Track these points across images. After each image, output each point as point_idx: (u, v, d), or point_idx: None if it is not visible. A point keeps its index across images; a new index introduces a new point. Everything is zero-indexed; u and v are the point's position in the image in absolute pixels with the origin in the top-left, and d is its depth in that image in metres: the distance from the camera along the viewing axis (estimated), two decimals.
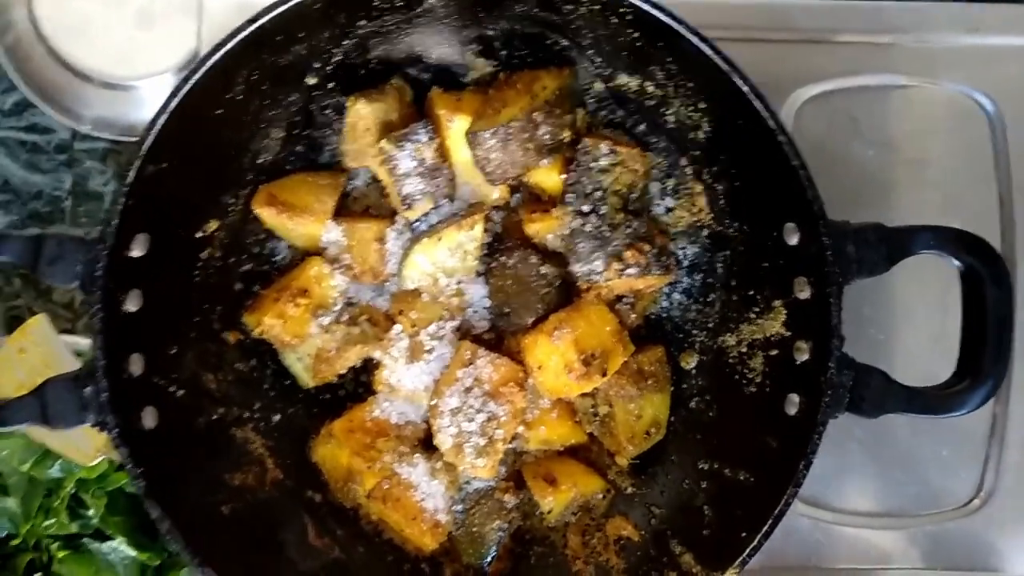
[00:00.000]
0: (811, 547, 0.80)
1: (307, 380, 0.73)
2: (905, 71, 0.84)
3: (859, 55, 0.84)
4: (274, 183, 0.71)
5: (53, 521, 0.93)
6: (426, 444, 0.72)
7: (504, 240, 0.73)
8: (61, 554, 0.94)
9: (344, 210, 0.73)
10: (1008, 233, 0.82)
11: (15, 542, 0.95)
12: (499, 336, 0.73)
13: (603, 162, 0.68)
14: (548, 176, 0.71)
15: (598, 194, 0.68)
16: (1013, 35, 0.84)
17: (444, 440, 0.67)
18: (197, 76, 0.59)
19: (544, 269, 0.70)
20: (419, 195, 0.69)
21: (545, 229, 0.71)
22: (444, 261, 0.70)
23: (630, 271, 0.67)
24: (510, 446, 0.71)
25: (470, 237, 0.70)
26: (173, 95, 0.59)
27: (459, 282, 0.71)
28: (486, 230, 0.71)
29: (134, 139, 1.08)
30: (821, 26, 0.84)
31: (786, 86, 0.83)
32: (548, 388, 0.69)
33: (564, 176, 0.70)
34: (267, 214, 0.70)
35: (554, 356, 0.67)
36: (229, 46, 0.59)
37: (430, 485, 0.70)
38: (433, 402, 0.68)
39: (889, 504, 0.81)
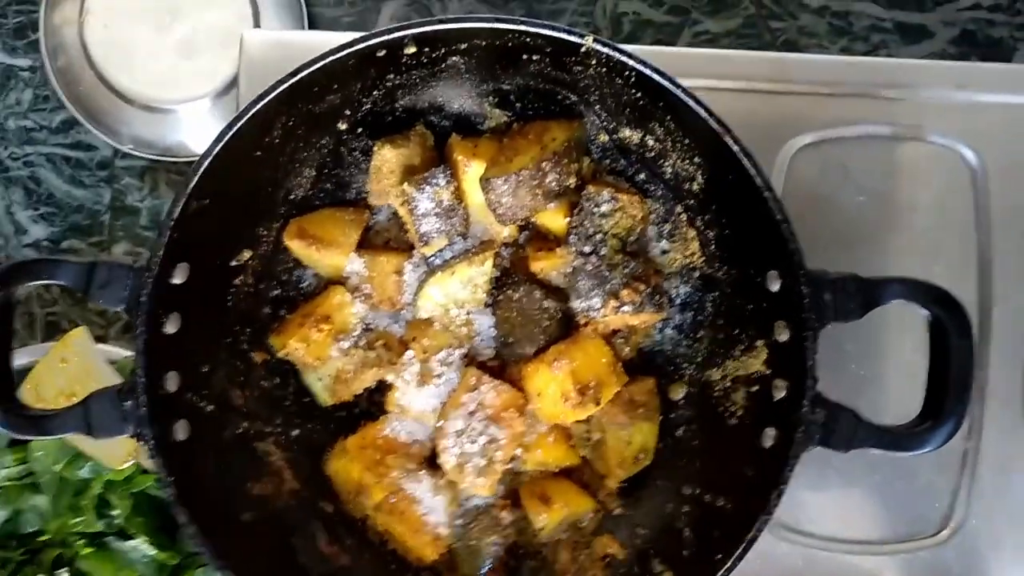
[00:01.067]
0: (789, 570, 0.84)
1: (326, 399, 0.78)
2: (895, 123, 0.88)
3: (852, 107, 0.89)
4: (304, 217, 0.76)
5: (80, 519, 0.98)
6: (431, 462, 0.76)
7: (511, 275, 0.78)
8: (86, 551, 0.99)
9: (367, 243, 0.79)
10: (985, 279, 0.86)
11: (44, 537, 1.00)
12: (503, 364, 0.77)
13: (604, 207, 0.73)
14: (554, 218, 0.76)
15: (599, 236, 0.73)
16: (998, 92, 0.89)
17: (448, 460, 0.72)
18: (241, 123, 0.64)
19: (547, 303, 0.75)
20: (435, 233, 0.74)
21: (549, 267, 0.76)
22: (455, 293, 0.75)
23: (626, 308, 0.72)
24: (508, 467, 0.76)
25: (480, 272, 0.75)
26: (218, 140, 0.64)
27: (468, 313, 0.76)
28: (495, 266, 0.76)
29: (171, 159, 1.16)
30: (817, 79, 0.88)
31: (782, 134, 0.88)
32: (546, 414, 0.74)
33: (568, 219, 0.75)
34: (296, 245, 0.75)
35: (552, 385, 0.72)
36: (270, 97, 0.64)
37: (433, 500, 0.75)
38: (439, 424, 0.73)
39: (865, 531, 0.85)
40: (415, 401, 0.75)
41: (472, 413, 0.72)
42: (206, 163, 0.64)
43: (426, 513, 0.75)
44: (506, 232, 0.78)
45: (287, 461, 0.76)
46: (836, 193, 0.88)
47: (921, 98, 0.89)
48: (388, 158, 0.74)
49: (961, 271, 0.86)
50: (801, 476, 0.83)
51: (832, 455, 0.84)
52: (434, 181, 0.73)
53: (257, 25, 1.17)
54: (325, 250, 0.75)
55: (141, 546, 0.98)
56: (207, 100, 1.15)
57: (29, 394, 0.89)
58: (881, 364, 0.86)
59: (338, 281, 0.78)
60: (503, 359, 0.77)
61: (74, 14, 1.16)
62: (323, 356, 0.76)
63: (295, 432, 0.78)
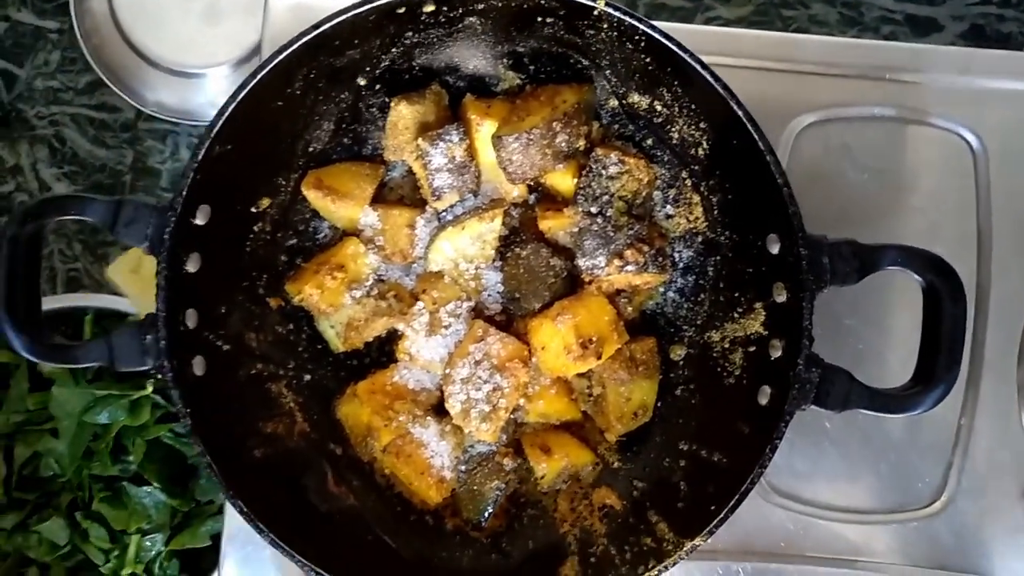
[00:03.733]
0: (784, 535, 0.86)
1: (338, 345, 0.81)
2: (899, 105, 0.90)
3: (857, 88, 0.91)
4: (322, 169, 0.79)
5: (97, 463, 1.01)
6: (438, 409, 0.79)
7: (520, 233, 0.80)
8: (102, 495, 1.02)
9: (381, 198, 0.81)
10: (984, 260, 0.88)
11: (61, 480, 1.03)
12: (509, 318, 0.80)
13: (612, 170, 0.76)
14: (563, 179, 0.79)
15: (605, 198, 0.76)
16: (1001, 78, 0.91)
17: (454, 405, 0.75)
18: (264, 72, 0.67)
19: (553, 261, 0.77)
20: (447, 188, 0.77)
21: (557, 226, 0.78)
22: (465, 248, 0.78)
23: (629, 268, 0.74)
24: (512, 415, 0.79)
25: (490, 229, 0.77)
26: (242, 87, 0.67)
27: (477, 268, 0.79)
28: (504, 224, 0.79)
29: (193, 122, 1.18)
30: (824, 60, 0.91)
31: (787, 112, 0.90)
32: (549, 367, 0.76)
33: (576, 180, 0.78)
34: (313, 196, 0.78)
35: (556, 338, 0.75)
36: (293, 48, 0.67)
37: (439, 445, 0.78)
38: (447, 371, 0.76)
39: (858, 500, 0.87)
40: (423, 350, 0.78)
41: (478, 362, 0.74)
42: (230, 108, 0.67)
43: (431, 457, 0.78)
44: (516, 192, 0.81)
45: (298, 404, 0.79)
46: (839, 172, 0.90)
47: (926, 82, 0.91)
48: (404, 114, 0.77)
49: (960, 252, 0.88)
50: (797, 445, 0.87)
51: (827, 424, 0.87)
52: (447, 137, 0.75)
53: None
54: (340, 201, 0.78)
55: (154, 492, 1.01)
56: (230, 65, 1.18)
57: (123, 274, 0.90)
58: (880, 338, 0.88)
59: (353, 233, 0.81)
60: (509, 313, 0.80)
61: None
62: (336, 304, 0.78)
63: (307, 377, 0.81)
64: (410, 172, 0.82)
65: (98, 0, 1.20)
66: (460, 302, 0.78)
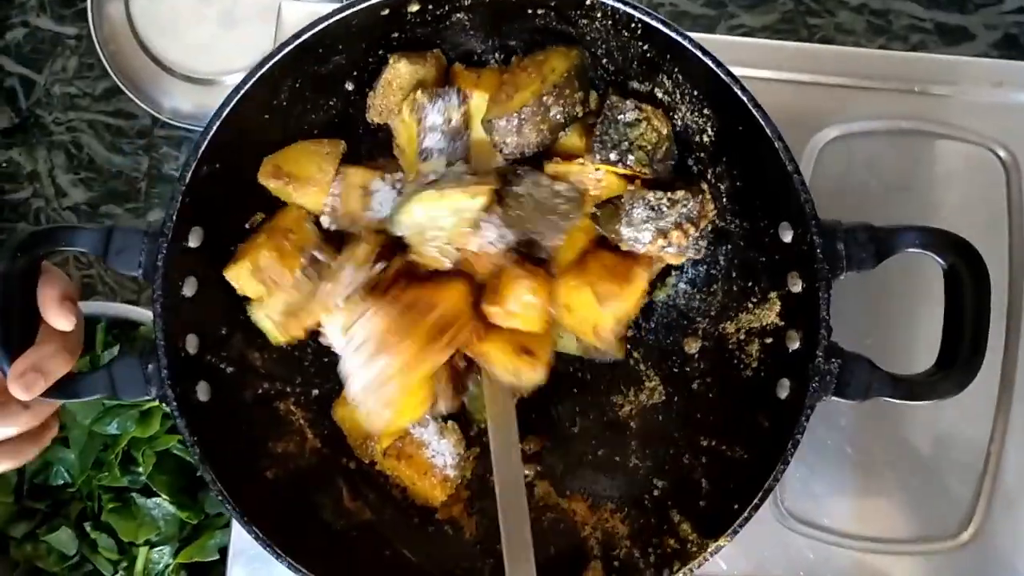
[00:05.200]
0: (803, 564, 0.84)
1: (277, 337, 0.75)
2: (927, 118, 0.87)
3: (884, 100, 0.88)
4: (277, 154, 0.73)
5: (106, 474, 1.01)
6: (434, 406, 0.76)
7: (510, 174, 0.73)
8: (111, 505, 1.02)
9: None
10: (1016, 279, 0.85)
11: (71, 490, 1.03)
12: (532, 263, 0.73)
13: (629, 116, 0.71)
14: (572, 139, 0.74)
15: (625, 145, 0.71)
16: None
17: (353, 396, 0.69)
18: (247, 87, 0.65)
19: (558, 187, 0.72)
20: (437, 151, 0.72)
21: (565, 171, 0.73)
22: (439, 219, 0.70)
23: (670, 249, 0.71)
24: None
25: (470, 206, 0.69)
26: (225, 104, 0.65)
27: (447, 243, 0.71)
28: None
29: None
30: (849, 71, 0.88)
31: (811, 125, 0.88)
32: (570, 327, 0.73)
33: (591, 133, 0.72)
34: (274, 185, 0.73)
35: (593, 316, 0.71)
36: (275, 59, 0.65)
37: (439, 444, 0.76)
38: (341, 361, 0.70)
39: (880, 529, 0.84)
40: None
41: (360, 344, 0.68)
42: (215, 127, 0.65)
43: (433, 456, 0.76)
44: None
45: (308, 420, 0.78)
46: (864, 187, 0.88)
47: (955, 94, 0.88)
48: (402, 72, 0.73)
49: (991, 270, 0.85)
50: (817, 469, 0.84)
51: (848, 448, 0.84)
52: (447, 98, 0.72)
53: None
54: (303, 188, 0.72)
55: (163, 503, 1.01)
56: (244, 73, 1.18)
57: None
58: (902, 325, 0.85)
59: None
60: (531, 258, 0.73)
61: None
62: (280, 281, 0.72)
63: (315, 392, 0.79)
64: (378, 144, 0.77)
65: (115, 7, 1.20)
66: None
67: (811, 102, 0.88)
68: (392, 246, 0.73)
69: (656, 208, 0.70)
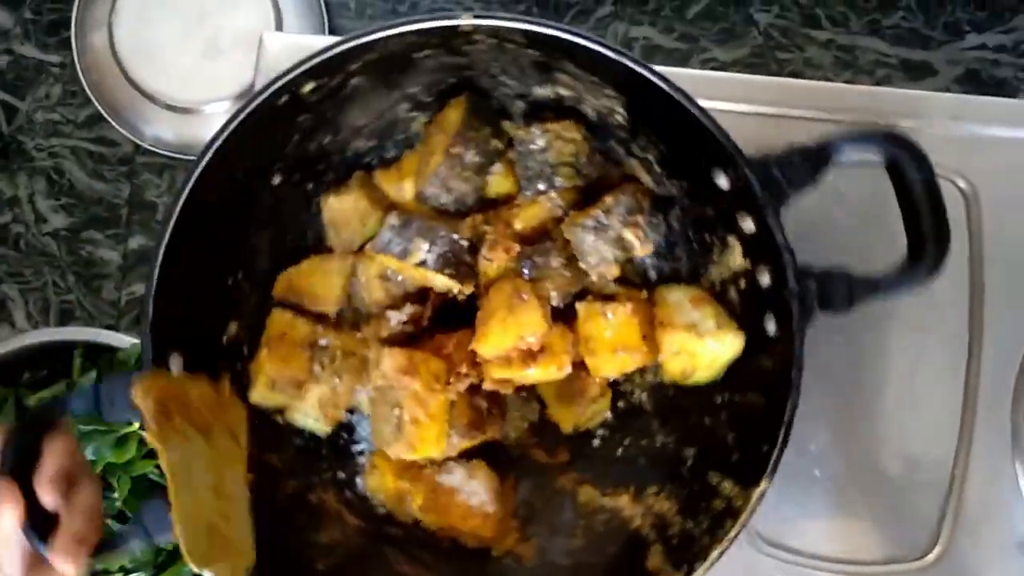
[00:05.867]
0: None
1: (324, 428, 0.77)
2: None
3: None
4: (291, 270, 0.76)
5: None
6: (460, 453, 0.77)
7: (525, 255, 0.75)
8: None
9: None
10: (976, 307, 0.88)
11: None
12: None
13: (539, 143, 0.72)
14: (503, 182, 0.76)
15: (547, 171, 0.73)
16: (994, 125, 0.90)
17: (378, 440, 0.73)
18: (180, 204, 0.64)
19: (566, 271, 0.74)
20: (397, 246, 0.73)
21: (529, 216, 0.75)
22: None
23: (635, 247, 0.72)
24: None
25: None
26: (165, 223, 0.64)
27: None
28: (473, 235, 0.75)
29: (190, 157, 1.19)
30: (816, 104, 0.90)
31: None
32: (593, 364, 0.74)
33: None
34: (285, 299, 0.76)
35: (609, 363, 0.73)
36: (197, 173, 0.65)
37: (470, 484, 0.76)
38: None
39: (849, 550, 0.85)
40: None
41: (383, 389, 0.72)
42: (160, 255, 0.64)
43: (469, 497, 0.76)
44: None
45: (343, 502, 0.77)
46: (830, 216, 0.90)
47: (918, 128, 0.90)
48: (336, 208, 0.75)
49: (953, 298, 0.88)
50: (786, 492, 0.86)
51: (817, 472, 0.86)
52: (391, 225, 0.73)
53: (279, 30, 1.22)
54: (313, 304, 0.76)
55: None
56: (229, 101, 1.19)
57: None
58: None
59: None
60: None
61: (104, 15, 1.21)
62: (304, 382, 0.75)
63: (341, 474, 0.79)
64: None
65: (99, 36, 1.22)
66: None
67: (780, 134, 0.90)
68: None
69: (597, 224, 0.72)
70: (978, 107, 0.92)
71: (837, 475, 0.86)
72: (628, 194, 0.73)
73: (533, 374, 0.73)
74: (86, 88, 1.20)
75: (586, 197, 0.76)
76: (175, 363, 0.66)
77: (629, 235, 0.72)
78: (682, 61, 1.27)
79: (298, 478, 0.76)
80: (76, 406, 0.63)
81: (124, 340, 1.06)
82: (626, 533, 0.76)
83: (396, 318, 0.76)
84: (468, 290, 0.75)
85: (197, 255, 0.68)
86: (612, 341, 0.73)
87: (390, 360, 0.72)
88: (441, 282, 0.74)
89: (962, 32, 1.27)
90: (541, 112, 0.76)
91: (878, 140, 0.66)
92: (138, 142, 1.21)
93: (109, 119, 1.20)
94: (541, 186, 0.73)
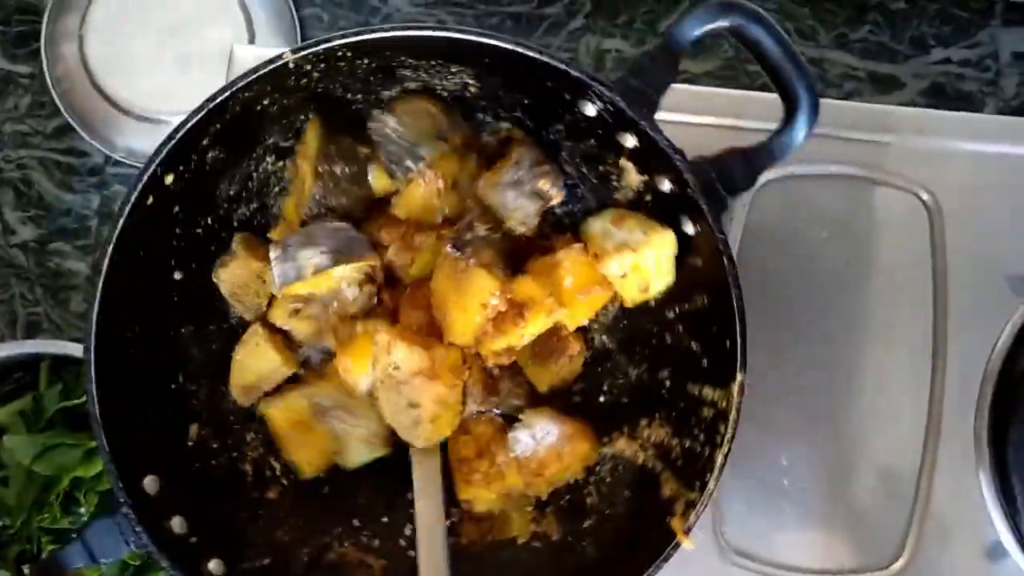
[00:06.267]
0: None
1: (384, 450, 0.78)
2: (858, 163, 0.91)
3: (816, 146, 0.89)
4: (232, 378, 0.77)
5: (47, 515, 0.99)
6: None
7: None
8: (51, 547, 0.99)
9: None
10: (940, 318, 0.89)
11: (9, 531, 1.01)
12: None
13: (392, 124, 0.73)
14: (381, 179, 0.76)
15: (407, 145, 0.73)
16: (957, 139, 0.92)
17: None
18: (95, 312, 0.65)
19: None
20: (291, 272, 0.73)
21: (409, 200, 0.75)
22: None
23: (553, 196, 0.74)
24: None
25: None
26: (86, 348, 0.65)
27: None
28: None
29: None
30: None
31: None
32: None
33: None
34: (251, 399, 0.78)
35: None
36: (97, 299, 0.65)
37: (539, 431, 0.77)
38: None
39: (818, 560, 0.86)
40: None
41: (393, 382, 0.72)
42: (94, 389, 0.65)
43: (548, 443, 0.77)
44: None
45: (363, 550, 0.77)
46: (798, 229, 0.91)
47: (884, 141, 0.92)
48: (228, 279, 0.75)
49: (918, 309, 0.89)
50: (754, 503, 0.86)
51: (785, 481, 0.87)
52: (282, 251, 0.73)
53: (252, 43, 1.22)
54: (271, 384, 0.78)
55: None
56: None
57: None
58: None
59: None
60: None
61: (75, 26, 1.20)
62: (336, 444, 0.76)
63: (355, 522, 0.78)
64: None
65: (69, 47, 1.21)
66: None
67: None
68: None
69: (513, 180, 0.73)
70: (943, 121, 0.93)
71: (806, 486, 0.87)
72: (526, 147, 0.74)
73: (529, 329, 0.72)
74: (56, 99, 1.19)
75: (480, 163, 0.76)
76: (151, 486, 0.67)
77: (543, 185, 0.73)
78: None
79: (311, 544, 0.76)
80: (71, 561, 0.66)
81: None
82: (634, 473, 0.76)
83: (358, 300, 0.76)
84: (376, 261, 0.74)
85: (130, 373, 0.69)
86: (575, 286, 0.73)
87: (408, 360, 0.71)
88: (348, 273, 0.74)
89: (927, 46, 1.29)
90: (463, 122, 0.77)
91: (711, 12, 0.66)
92: (109, 153, 1.20)
93: (79, 130, 1.19)
94: (409, 163, 0.73)
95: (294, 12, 1.27)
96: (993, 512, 0.78)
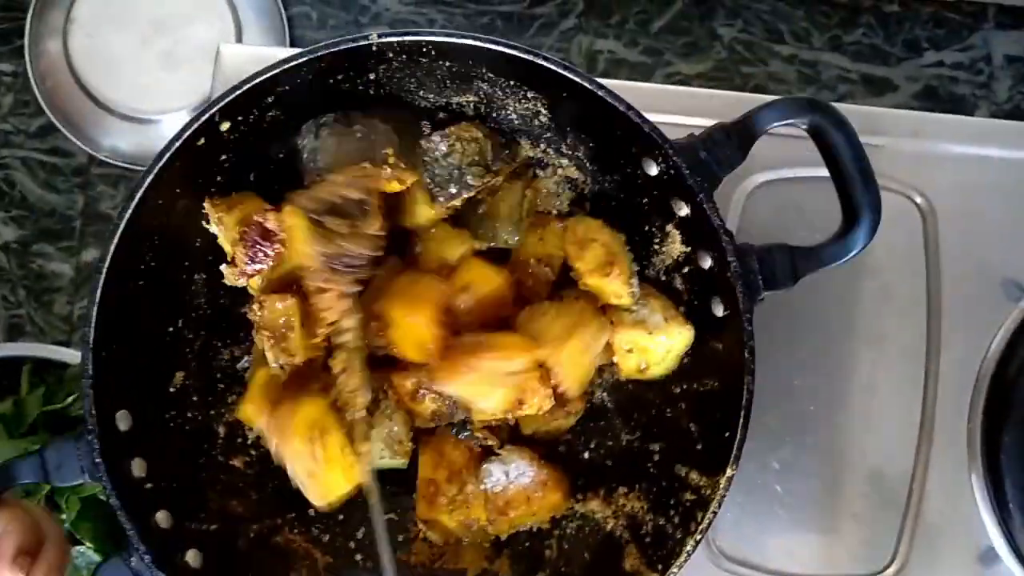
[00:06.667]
0: None
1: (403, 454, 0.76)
2: None
3: (810, 148, 0.90)
4: (247, 397, 0.74)
5: None
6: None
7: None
8: None
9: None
10: (934, 321, 0.88)
11: None
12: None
13: (442, 147, 0.72)
14: (424, 211, 0.74)
15: (456, 174, 0.72)
16: (950, 142, 0.92)
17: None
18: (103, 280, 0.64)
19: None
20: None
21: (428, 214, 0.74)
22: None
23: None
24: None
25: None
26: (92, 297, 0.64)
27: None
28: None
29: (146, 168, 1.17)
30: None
31: (740, 171, 0.88)
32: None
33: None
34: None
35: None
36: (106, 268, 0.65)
37: (514, 469, 0.76)
38: None
39: (810, 566, 0.85)
40: None
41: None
42: (96, 305, 0.64)
43: (519, 483, 0.76)
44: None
45: (310, 541, 0.76)
46: (791, 232, 0.90)
47: (877, 144, 0.91)
48: (269, 315, 0.70)
49: (911, 312, 0.88)
50: (747, 509, 0.85)
51: (778, 487, 0.86)
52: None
53: (239, 42, 1.20)
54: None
55: (87, 552, 0.97)
56: (186, 112, 1.18)
57: None
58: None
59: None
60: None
61: (59, 23, 1.19)
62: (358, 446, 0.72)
63: (311, 511, 0.77)
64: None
65: (53, 44, 1.20)
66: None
67: None
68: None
69: (449, 176, 0.71)
70: (936, 124, 0.93)
71: (798, 491, 0.86)
72: (468, 135, 0.72)
73: (527, 413, 0.71)
74: (39, 97, 1.17)
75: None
76: (122, 421, 0.65)
77: (474, 173, 0.71)
78: (646, 74, 1.28)
79: (260, 522, 0.75)
80: (22, 475, 0.63)
81: (75, 356, 1.03)
82: (600, 537, 0.75)
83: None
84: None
85: (135, 303, 0.67)
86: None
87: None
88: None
89: (920, 49, 1.29)
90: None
91: (796, 107, 0.66)
92: (93, 153, 1.18)
93: (63, 129, 1.17)
94: (454, 189, 0.72)
95: (282, 10, 1.26)
96: (986, 517, 0.78)
